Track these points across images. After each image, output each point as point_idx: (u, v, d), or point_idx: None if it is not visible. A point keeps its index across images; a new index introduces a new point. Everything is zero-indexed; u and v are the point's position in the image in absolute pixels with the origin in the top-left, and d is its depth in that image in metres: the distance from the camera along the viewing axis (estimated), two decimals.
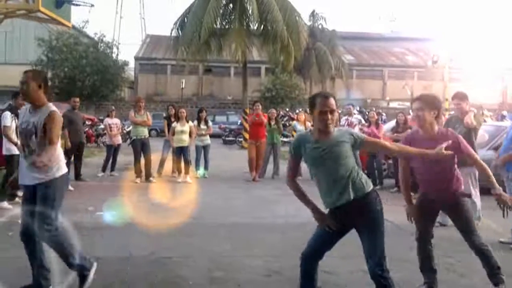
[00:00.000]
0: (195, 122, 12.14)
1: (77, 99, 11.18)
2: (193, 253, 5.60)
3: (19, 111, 8.00)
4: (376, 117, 11.66)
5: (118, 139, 12.47)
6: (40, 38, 32.19)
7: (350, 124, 11.70)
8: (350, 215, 3.60)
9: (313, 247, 3.85)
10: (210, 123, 12.69)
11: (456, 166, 4.29)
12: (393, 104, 38.77)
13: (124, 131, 17.98)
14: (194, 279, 4.67)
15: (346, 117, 12.39)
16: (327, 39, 38.25)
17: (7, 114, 7.86)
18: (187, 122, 11.74)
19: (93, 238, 6.04)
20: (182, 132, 11.52)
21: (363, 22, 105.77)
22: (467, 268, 5.13)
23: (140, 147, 11.25)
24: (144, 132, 11.42)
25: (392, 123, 12.39)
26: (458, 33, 71.34)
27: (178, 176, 11.61)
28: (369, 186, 3.61)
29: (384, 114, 26.80)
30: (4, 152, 7.88)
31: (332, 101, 3.46)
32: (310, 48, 34.67)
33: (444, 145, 3.82)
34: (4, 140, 7.85)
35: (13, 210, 7.20)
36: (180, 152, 11.52)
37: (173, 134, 11.58)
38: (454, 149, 4.02)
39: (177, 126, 11.60)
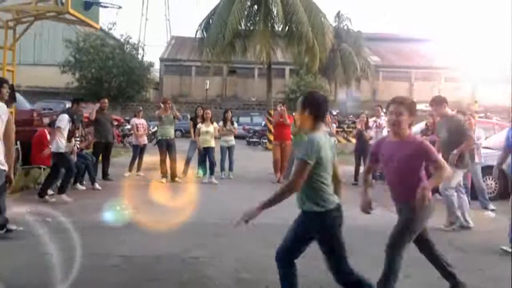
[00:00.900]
0: (221, 123, 12.16)
1: (106, 100, 11.31)
2: (219, 253, 5.60)
3: (74, 116, 8.51)
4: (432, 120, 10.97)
5: (144, 139, 12.55)
6: (68, 40, 32.70)
7: (379, 126, 11.55)
8: None
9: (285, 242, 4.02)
10: (235, 124, 12.77)
11: (422, 174, 4.16)
12: (420, 106, 38.25)
13: (150, 132, 18.13)
14: (220, 280, 4.66)
15: (374, 118, 12.23)
16: (353, 40, 37.95)
17: (65, 117, 8.16)
18: (212, 123, 11.82)
19: (121, 237, 6.07)
20: (207, 133, 11.59)
21: (389, 23, 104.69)
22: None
23: (166, 148, 11.27)
24: (170, 132, 11.41)
25: (419, 126, 12.21)
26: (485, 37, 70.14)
27: (203, 176, 11.63)
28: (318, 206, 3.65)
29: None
30: (53, 150, 8.28)
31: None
32: (335, 49, 34.46)
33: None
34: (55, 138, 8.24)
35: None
36: (205, 152, 11.58)
37: (199, 135, 11.63)
38: (420, 156, 4.01)
39: (202, 127, 11.67)
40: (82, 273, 4.75)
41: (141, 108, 14.60)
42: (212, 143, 11.68)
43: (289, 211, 8.15)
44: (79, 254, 5.28)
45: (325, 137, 3.58)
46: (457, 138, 6.92)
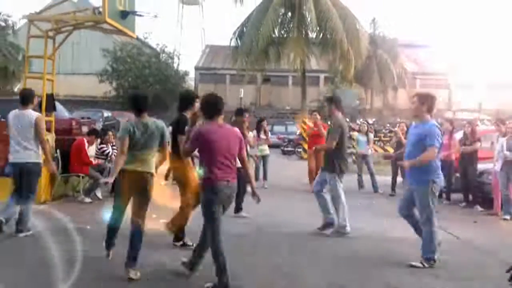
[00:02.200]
0: (254, 132, 12.08)
1: None
2: (254, 263, 5.54)
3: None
4: (451, 126, 10.63)
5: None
6: (105, 49, 33.35)
7: None
8: None
9: None
10: (269, 134, 12.68)
11: None
12: (459, 115, 37.36)
13: None
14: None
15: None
16: (389, 47, 37.40)
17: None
18: (248, 132, 11.70)
19: (153, 246, 6.04)
20: None
21: (424, 31, 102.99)
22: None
23: None
24: None
25: (459, 134, 11.83)
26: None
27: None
28: None
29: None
30: None
31: None
32: (371, 56, 34.06)
33: None
34: None
35: None
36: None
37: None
38: None
39: None
40: (115, 279, 4.77)
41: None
42: (248, 152, 11.54)
43: (322, 221, 8.07)
44: (113, 261, 5.31)
45: None
46: None
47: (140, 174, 5.00)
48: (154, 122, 5.23)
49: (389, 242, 6.76)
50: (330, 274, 5.17)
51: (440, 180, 5.65)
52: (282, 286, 4.75)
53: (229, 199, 4.75)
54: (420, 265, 5.46)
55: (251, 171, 6.87)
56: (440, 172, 5.67)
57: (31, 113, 6.41)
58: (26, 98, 6.48)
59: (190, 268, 4.86)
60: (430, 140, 5.49)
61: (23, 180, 6.27)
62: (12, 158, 6.33)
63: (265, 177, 12.12)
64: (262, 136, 12.06)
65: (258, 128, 12.06)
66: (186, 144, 5.25)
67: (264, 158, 12.11)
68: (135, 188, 5.02)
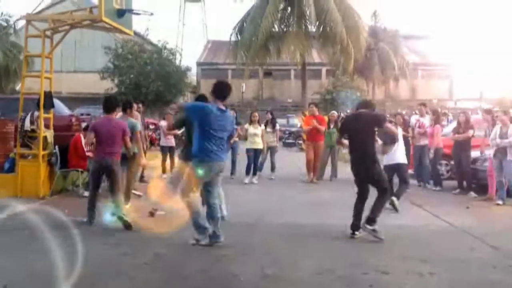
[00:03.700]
0: (262, 126, 12.22)
1: (140, 105, 11.45)
2: (248, 251, 5.69)
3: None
4: (433, 116, 11.18)
5: (172, 141, 12.43)
6: (107, 47, 33.42)
7: (422, 126, 11.09)
8: None
9: None
10: (277, 126, 13.05)
11: None
12: (460, 104, 37.35)
13: (180, 134, 18.25)
14: (246, 276, 4.74)
15: (417, 117, 11.80)
16: (390, 39, 37.35)
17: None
18: (260, 125, 12.01)
19: (153, 235, 6.21)
20: (255, 135, 11.78)
21: (426, 22, 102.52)
22: None
23: None
24: None
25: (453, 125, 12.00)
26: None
27: (246, 176, 11.65)
28: None
29: (450, 114, 25.83)
30: None
31: None
32: (372, 48, 34.07)
33: None
34: None
35: None
36: (254, 154, 11.74)
37: (246, 138, 11.88)
38: None
39: (250, 128, 11.89)
40: (113, 269, 4.95)
41: (169, 111, 14.78)
42: (261, 145, 11.83)
43: (318, 211, 8.22)
44: (111, 251, 5.49)
45: None
46: None
47: None
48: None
49: (382, 229, 6.86)
50: (320, 260, 5.31)
51: None
52: (273, 273, 4.88)
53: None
54: None
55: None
56: None
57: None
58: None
59: None
60: None
61: None
62: None
63: (272, 169, 12.27)
64: (269, 128, 12.23)
65: (250, 120, 12.13)
66: None
67: (271, 149, 12.26)
68: None
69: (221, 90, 5.96)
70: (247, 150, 11.82)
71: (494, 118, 9.78)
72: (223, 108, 5.84)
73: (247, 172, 11.71)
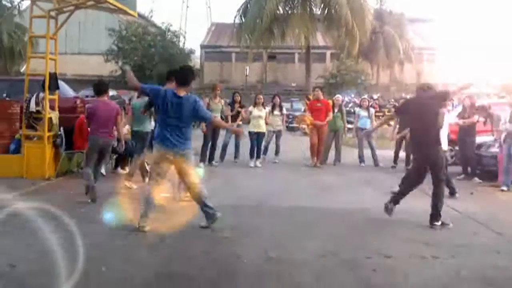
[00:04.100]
0: (268, 108, 12.07)
1: None
2: (252, 233, 5.73)
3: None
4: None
5: None
6: (111, 28, 33.36)
7: None
8: None
9: None
10: (284, 110, 12.83)
11: None
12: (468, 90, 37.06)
13: None
14: (249, 258, 4.78)
15: None
16: (395, 22, 37.05)
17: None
18: (264, 107, 11.85)
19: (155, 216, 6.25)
20: (259, 117, 11.64)
21: (431, 5, 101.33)
22: None
23: (212, 134, 11.16)
24: None
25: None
26: None
27: (250, 160, 11.61)
28: None
29: (455, 99, 25.68)
30: None
31: None
32: (377, 32, 33.85)
33: None
34: None
35: None
36: (257, 137, 11.62)
37: (248, 121, 11.78)
38: None
39: (254, 111, 11.70)
40: (117, 249, 4.99)
41: None
42: (264, 128, 11.73)
43: (322, 195, 8.25)
44: (116, 232, 5.54)
45: None
46: None
47: None
48: None
49: (386, 213, 6.91)
50: (323, 243, 5.34)
51: None
52: (276, 255, 4.92)
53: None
54: None
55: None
56: None
57: None
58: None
59: None
60: None
61: None
62: None
63: (276, 152, 12.28)
64: (277, 112, 12.14)
65: (255, 102, 11.99)
66: None
67: (277, 133, 12.21)
68: None
69: (184, 76, 5.78)
70: (250, 133, 11.65)
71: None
72: (182, 95, 5.62)
73: (251, 155, 11.64)
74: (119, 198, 7.38)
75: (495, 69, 35.10)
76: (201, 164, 11.21)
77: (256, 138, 11.63)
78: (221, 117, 11.00)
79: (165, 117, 5.61)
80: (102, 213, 6.21)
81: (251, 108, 11.81)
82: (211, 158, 11.37)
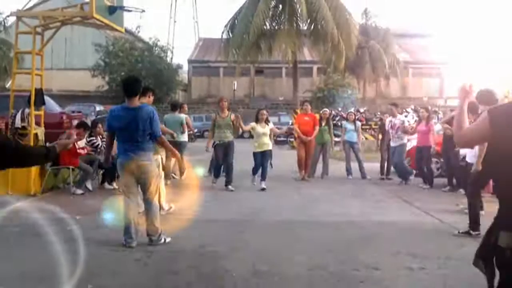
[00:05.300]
0: (253, 123, 10.99)
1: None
2: (240, 247, 5.72)
3: None
4: (426, 114, 11.10)
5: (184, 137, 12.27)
6: (98, 44, 33.37)
7: (393, 127, 11.22)
8: None
9: None
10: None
11: None
12: (451, 102, 37.55)
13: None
14: (237, 272, 4.76)
15: (390, 118, 11.67)
16: (381, 37, 37.48)
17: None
18: (267, 124, 10.68)
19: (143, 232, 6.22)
20: (264, 134, 10.43)
21: (417, 20, 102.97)
22: None
23: (223, 152, 10.12)
24: (228, 135, 10.19)
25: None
26: None
27: (253, 178, 10.66)
28: None
29: (440, 112, 25.97)
30: None
31: None
32: (363, 46, 34.18)
33: None
34: None
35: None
36: (262, 157, 10.39)
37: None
38: None
39: (257, 127, 10.49)
40: (104, 265, 4.95)
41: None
42: (270, 146, 10.59)
43: (310, 208, 8.27)
44: (103, 248, 5.49)
45: None
46: None
47: None
48: None
49: (373, 226, 6.95)
50: (311, 257, 5.34)
51: None
52: (264, 269, 4.91)
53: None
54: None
55: None
56: None
57: None
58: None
59: None
60: None
61: None
62: None
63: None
64: (246, 127, 11.91)
65: (257, 118, 10.85)
66: None
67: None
68: None
69: (130, 86, 5.72)
70: (255, 155, 10.46)
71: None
72: (133, 106, 5.60)
73: (254, 173, 10.62)
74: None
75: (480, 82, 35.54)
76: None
77: (261, 157, 10.40)
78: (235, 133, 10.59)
79: (118, 131, 5.66)
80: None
81: (253, 124, 10.61)
82: (227, 182, 10.13)
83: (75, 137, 7.97)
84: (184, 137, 10.93)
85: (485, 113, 2.54)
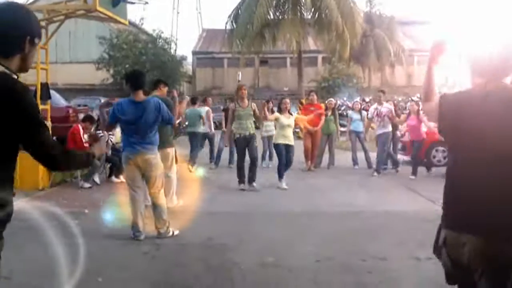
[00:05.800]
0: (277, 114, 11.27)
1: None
2: (248, 239, 5.74)
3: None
4: (416, 107, 10.86)
5: None
6: (102, 37, 33.29)
7: (379, 115, 11.00)
8: None
9: None
10: (276, 113, 10.59)
11: None
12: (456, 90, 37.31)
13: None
14: (245, 264, 4.79)
15: (375, 105, 11.48)
16: (386, 25, 37.21)
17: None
18: (291, 114, 10.12)
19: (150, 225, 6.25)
20: (288, 126, 9.68)
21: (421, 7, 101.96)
22: None
23: (245, 147, 9.13)
24: (249, 127, 9.12)
25: None
26: None
27: (280, 181, 9.53)
28: None
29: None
30: None
31: None
32: (368, 35, 33.98)
33: None
34: None
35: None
36: (286, 151, 9.59)
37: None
38: None
39: (281, 118, 9.70)
40: (113, 258, 4.99)
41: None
42: (292, 141, 9.82)
43: (316, 199, 8.28)
44: (111, 241, 5.53)
45: None
46: None
47: None
48: None
49: (379, 216, 6.95)
50: (318, 248, 5.36)
51: None
52: (272, 261, 4.93)
53: None
54: None
55: None
56: None
57: None
58: None
59: None
60: None
61: None
62: None
63: (270, 158, 12.24)
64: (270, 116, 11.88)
65: (279, 108, 10.39)
66: None
67: (270, 138, 11.98)
68: None
69: (135, 79, 5.78)
70: (277, 147, 9.71)
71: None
72: (139, 99, 5.61)
73: (280, 175, 9.51)
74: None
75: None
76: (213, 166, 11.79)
77: (285, 151, 9.59)
78: (256, 124, 9.68)
79: (125, 124, 5.69)
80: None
81: (278, 114, 9.86)
82: (251, 179, 9.16)
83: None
84: (205, 129, 11.92)
85: (437, 97, 2.37)
